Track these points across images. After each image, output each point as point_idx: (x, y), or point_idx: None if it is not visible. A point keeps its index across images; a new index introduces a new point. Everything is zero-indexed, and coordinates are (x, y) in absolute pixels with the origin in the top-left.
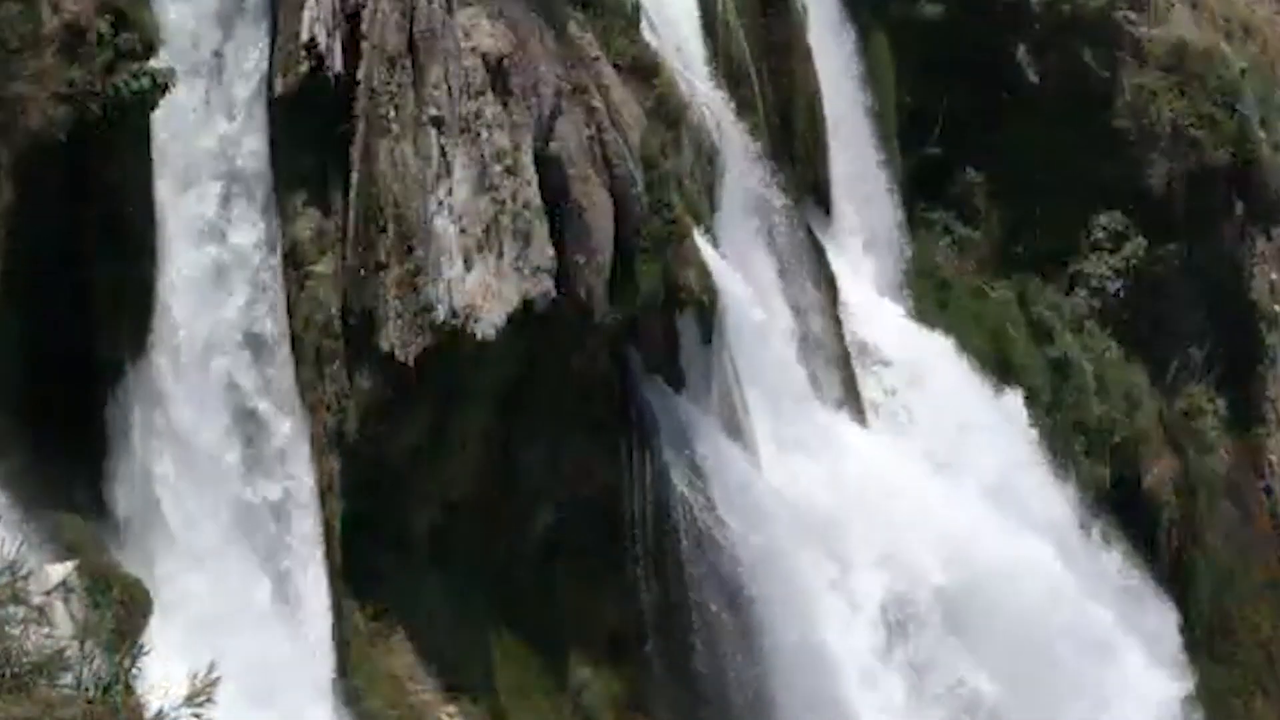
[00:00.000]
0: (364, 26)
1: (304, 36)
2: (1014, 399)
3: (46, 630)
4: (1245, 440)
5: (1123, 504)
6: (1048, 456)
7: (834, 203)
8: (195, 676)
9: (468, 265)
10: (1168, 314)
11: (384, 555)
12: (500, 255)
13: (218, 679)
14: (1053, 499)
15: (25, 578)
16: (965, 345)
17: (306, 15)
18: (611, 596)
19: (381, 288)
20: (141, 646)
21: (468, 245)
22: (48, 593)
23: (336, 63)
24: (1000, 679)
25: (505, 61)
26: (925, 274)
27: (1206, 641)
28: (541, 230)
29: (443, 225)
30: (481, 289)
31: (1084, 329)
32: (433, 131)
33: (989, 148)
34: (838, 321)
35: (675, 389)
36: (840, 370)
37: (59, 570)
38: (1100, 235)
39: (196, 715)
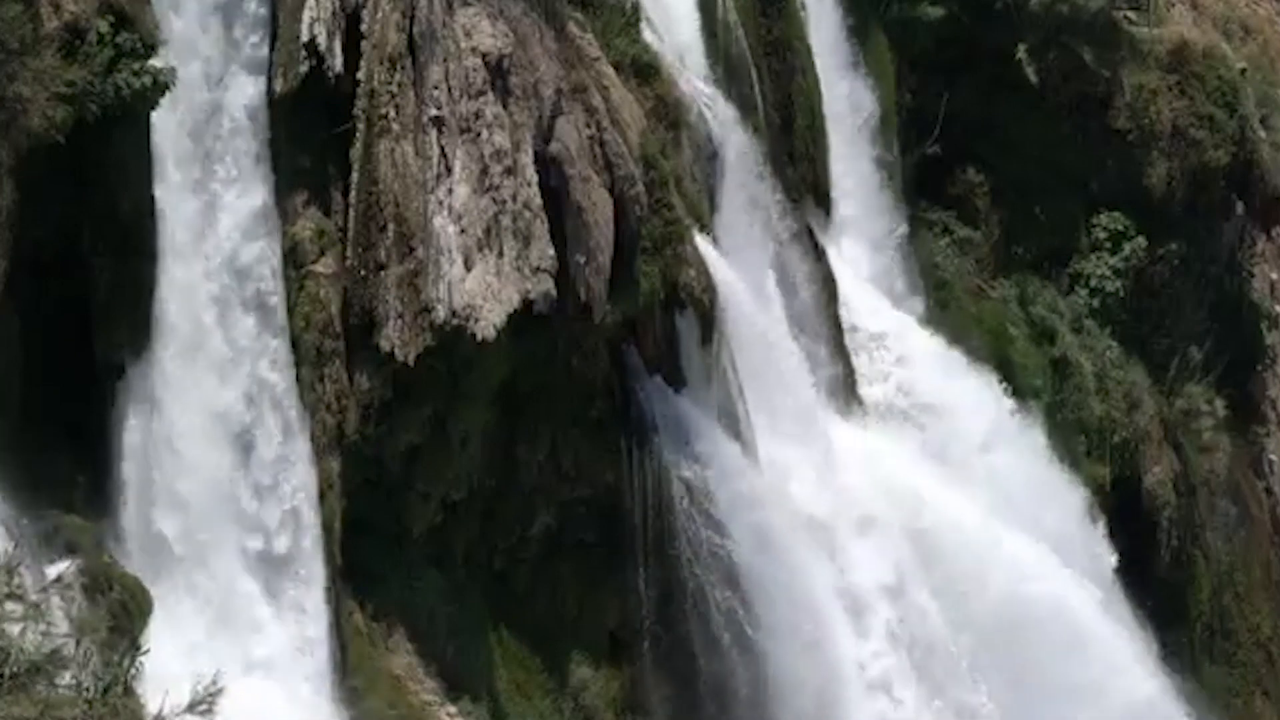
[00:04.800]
0: (364, 26)
1: (304, 36)
2: (1014, 400)
3: (44, 628)
4: (1245, 440)
5: (1123, 504)
6: (1051, 456)
7: (834, 203)
8: (197, 681)
9: (468, 265)
10: (1168, 314)
11: (384, 555)
12: (500, 255)
13: (221, 689)
14: (1057, 500)
15: (20, 572)
16: (965, 345)
17: (306, 15)
18: (611, 596)
19: (381, 288)
20: (140, 647)
21: (468, 245)
22: (44, 589)
23: (336, 63)
24: (1005, 678)
25: (505, 61)
26: (925, 274)
27: (1206, 641)
28: (541, 230)
29: (443, 225)
30: (481, 289)
31: (1084, 329)
32: (433, 131)
33: (989, 148)
34: (837, 321)
35: (675, 389)
36: (840, 370)
37: (58, 570)
38: (1100, 235)
39: None
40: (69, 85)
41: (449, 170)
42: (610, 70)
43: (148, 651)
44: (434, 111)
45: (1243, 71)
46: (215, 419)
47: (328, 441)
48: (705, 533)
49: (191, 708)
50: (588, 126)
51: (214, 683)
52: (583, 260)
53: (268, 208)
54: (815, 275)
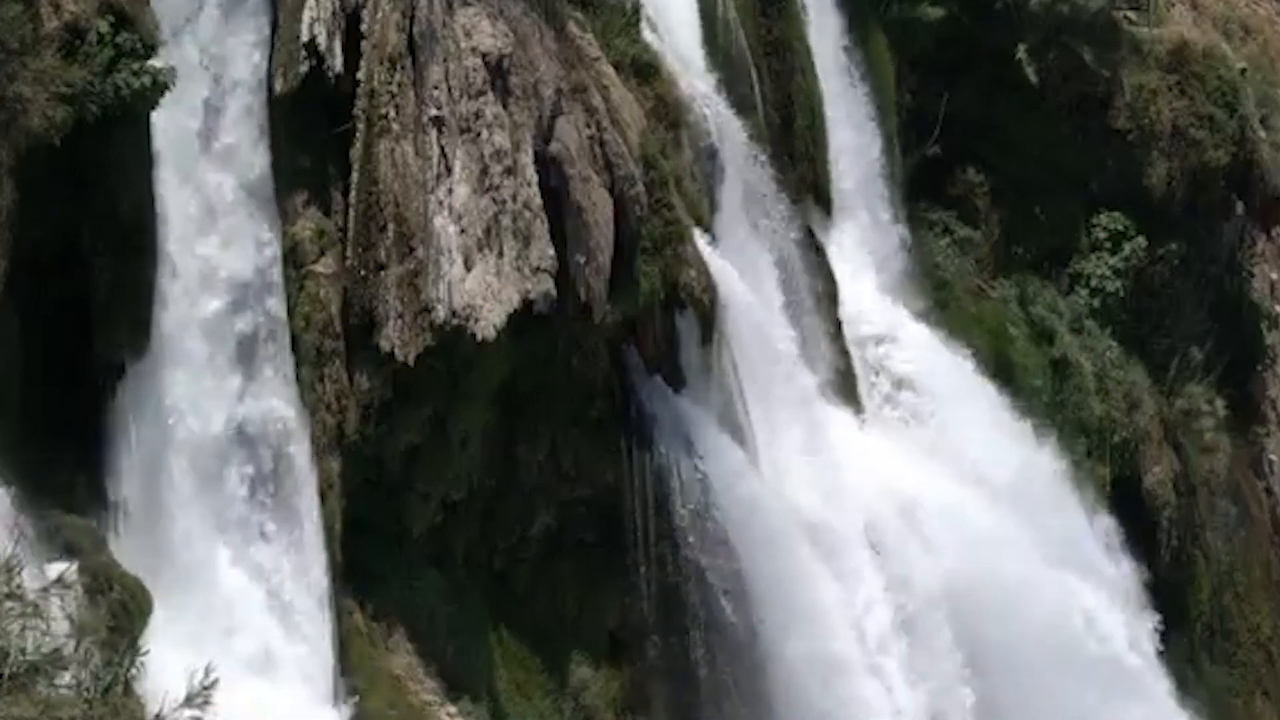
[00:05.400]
0: (364, 26)
1: (304, 36)
2: (1012, 400)
3: (44, 628)
4: (1245, 440)
5: (1123, 504)
6: (1048, 454)
7: (834, 202)
8: (193, 677)
9: (468, 265)
10: (1168, 314)
11: (384, 555)
12: (500, 255)
13: (216, 680)
14: (1058, 500)
15: (19, 572)
16: (965, 345)
17: (306, 15)
18: (612, 596)
19: (381, 288)
20: (140, 647)
21: (468, 245)
22: (44, 589)
23: (336, 63)
24: (1002, 676)
25: (505, 61)
26: (925, 274)
27: (1206, 641)
28: (541, 230)
29: (443, 225)
30: (481, 289)
31: (1084, 329)
32: (433, 131)
33: (989, 148)
34: (837, 321)
35: (675, 389)
36: (840, 369)
37: (58, 570)
38: (1100, 235)
39: (196, 717)
40: (69, 85)
41: (449, 170)
42: (610, 70)
43: (148, 652)
44: (434, 111)
45: (1243, 71)
46: (215, 419)
47: (328, 441)
48: (705, 532)
49: (188, 701)
50: (588, 126)
51: (207, 675)
52: (583, 260)
53: (268, 208)
54: (815, 275)
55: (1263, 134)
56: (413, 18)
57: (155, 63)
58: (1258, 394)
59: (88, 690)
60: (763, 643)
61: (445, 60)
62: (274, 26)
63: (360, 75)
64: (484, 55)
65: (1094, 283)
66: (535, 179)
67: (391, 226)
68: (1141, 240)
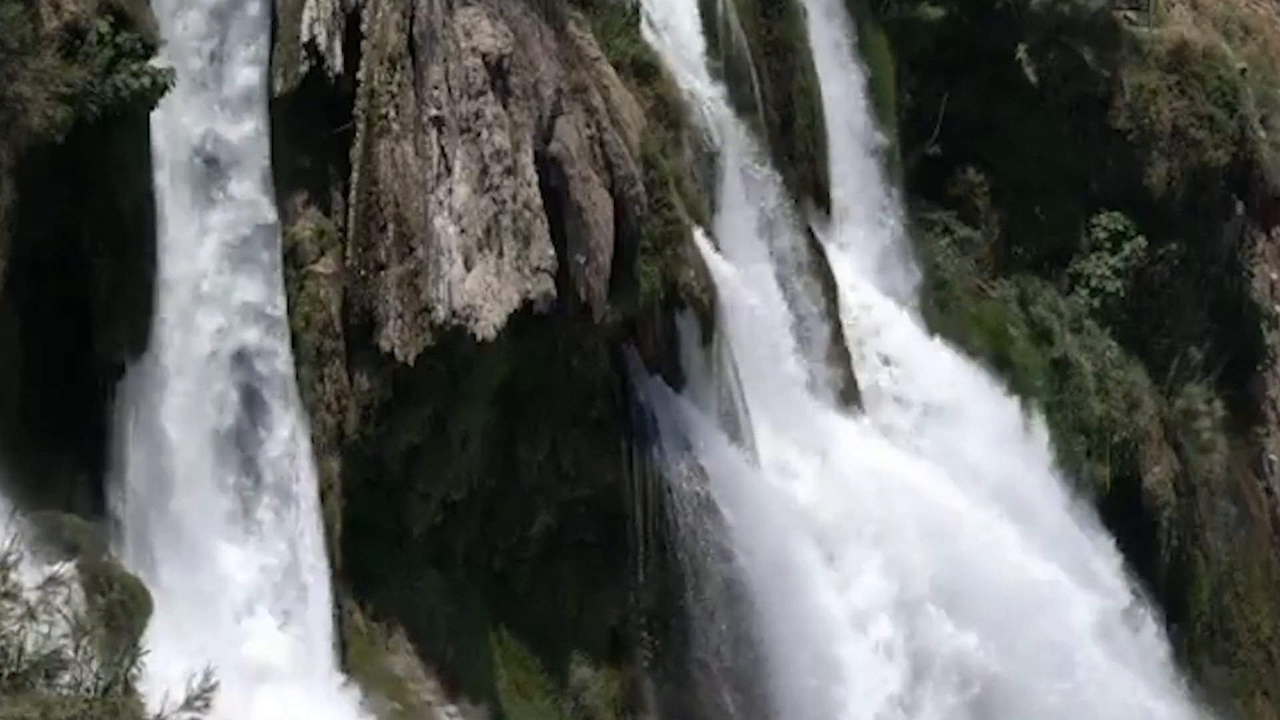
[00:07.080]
0: (364, 26)
1: (304, 36)
2: (1013, 401)
3: (43, 628)
4: (1245, 440)
5: (1123, 504)
6: (1050, 456)
7: (834, 203)
8: (192, 679)
9: (468, 265)
10: (1168, 314)
11: (384, 555)
12: (500, 255)
13: (216, 684)
14: (1054, 500)
15: (19, 571)
16: (965, 345)
17: (306, 15)
18: (611, 596)
19: (381, 288)
20: (140, 647)
21: (468, 245)
22: (43, 588)
23: (336, 63)
24: (1000, 673)
25: (505, 61)
26: (925, 274)
27: (1206, 641)
28: (541, 230)
29: (443, 225)
30: (481, 289)
31: (1084, 329)
32: (433, 131)
33: (989, 148)
34: (837, 321)
35: (675, 389)
36: (840, 370)
37: (57, 569)
38: (1100, 235)
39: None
40: (69, 85)
41: (449, 170)
42: (610, 70)
43: (148, 651)
44: (434, 111)
45: (1243, 71)
46: (215, 419)
47: (328, 441)
48: (704, 532)
49: (188, 704)
50: (588, 126)
51: (207, 679)
52: (583, 260)
53: (268, 208)
54: (815, 275)
55: (1263, 134)
56: (413, 18)
57: (155, 63)
58: (1258, 394)
59: (88, 690)
60: (762, 642)
61: (445, 60)
62: (274, 26)
63: (360, 75)
64: (484, 55)
65: (1094, 283)
66: (535, 179)
67: (391, 226)
68: (1141, 240)
